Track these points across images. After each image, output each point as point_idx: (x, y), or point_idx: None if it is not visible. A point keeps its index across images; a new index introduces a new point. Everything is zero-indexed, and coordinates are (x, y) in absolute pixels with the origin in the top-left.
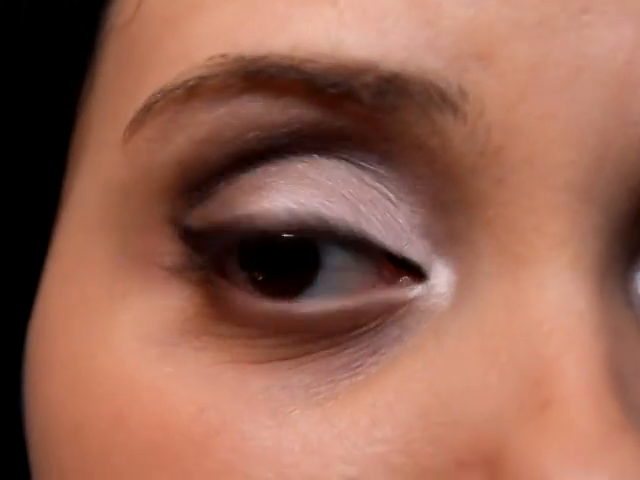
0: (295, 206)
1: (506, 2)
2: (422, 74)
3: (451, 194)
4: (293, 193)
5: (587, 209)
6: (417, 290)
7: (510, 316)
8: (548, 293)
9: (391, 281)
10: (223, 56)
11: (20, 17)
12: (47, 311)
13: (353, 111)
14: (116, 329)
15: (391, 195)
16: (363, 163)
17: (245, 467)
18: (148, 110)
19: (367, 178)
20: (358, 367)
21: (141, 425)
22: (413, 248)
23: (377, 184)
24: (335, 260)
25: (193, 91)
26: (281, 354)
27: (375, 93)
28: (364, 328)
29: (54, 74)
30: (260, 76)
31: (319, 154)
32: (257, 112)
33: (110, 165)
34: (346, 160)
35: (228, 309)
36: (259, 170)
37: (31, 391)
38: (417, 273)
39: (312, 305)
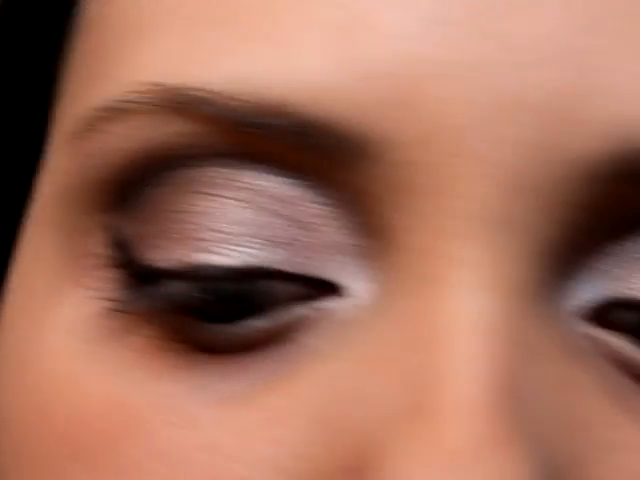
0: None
1: (427, 40)
2: (330, 118)
3: (363, 218)
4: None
5: (501, 237)
6: (331, 304)
7: (412, 329)
8: (453, 311)
9: (306, 297)
10: (155, 84)
11: None
12: (9, 303)
13: (265, 145)
14: (49, 324)
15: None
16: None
17: (149, 464)
18: (89, 123)
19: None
20: (261, 373)
21: (60, 417)
22: (327, 265)
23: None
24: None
25: (118, 115)
26: (189, 359)
27: (287, 134)
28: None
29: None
30: (186, 107)
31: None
32: (180, 142)
33: (59, 162)
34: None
35: (143, 309)
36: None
37: None
38: (331, 289)
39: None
